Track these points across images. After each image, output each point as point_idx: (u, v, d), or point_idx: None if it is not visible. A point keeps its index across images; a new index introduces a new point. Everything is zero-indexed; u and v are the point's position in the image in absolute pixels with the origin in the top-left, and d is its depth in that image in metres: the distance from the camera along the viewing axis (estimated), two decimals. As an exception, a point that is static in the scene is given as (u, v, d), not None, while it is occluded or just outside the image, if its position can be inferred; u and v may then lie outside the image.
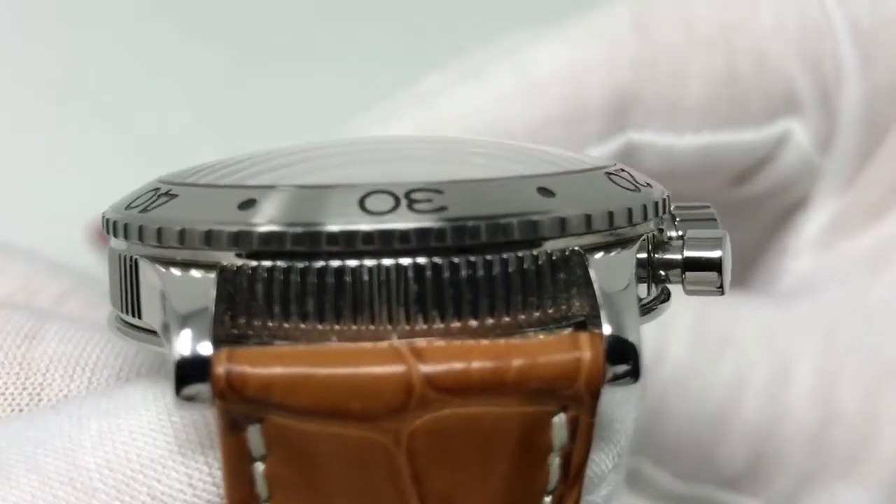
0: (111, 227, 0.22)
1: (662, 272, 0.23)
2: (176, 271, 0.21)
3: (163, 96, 0.56)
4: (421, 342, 0.20)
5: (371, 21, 0.58)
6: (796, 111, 0.34)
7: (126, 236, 0.22)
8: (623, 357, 0.20)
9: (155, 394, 0.22)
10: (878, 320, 0.33)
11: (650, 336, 0.32)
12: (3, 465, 0.21)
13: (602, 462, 0.22)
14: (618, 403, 0.23)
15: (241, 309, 0.20)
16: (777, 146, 0.34)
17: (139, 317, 0.22)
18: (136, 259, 0.22)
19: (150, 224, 0.21)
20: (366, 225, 0.20)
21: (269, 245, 0.20)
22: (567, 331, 0.21)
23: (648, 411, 0.32)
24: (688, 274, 0.23)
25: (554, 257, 0.21)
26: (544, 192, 0.21)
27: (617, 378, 0.20)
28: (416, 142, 0.26)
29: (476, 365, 0.19)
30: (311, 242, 0.20)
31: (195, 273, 0.21)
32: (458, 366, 0.19)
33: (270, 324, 0.20)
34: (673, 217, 0.24)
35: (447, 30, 0.55)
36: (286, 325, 0.20)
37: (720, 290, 0.23)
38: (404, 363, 0.19)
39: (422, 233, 0.20)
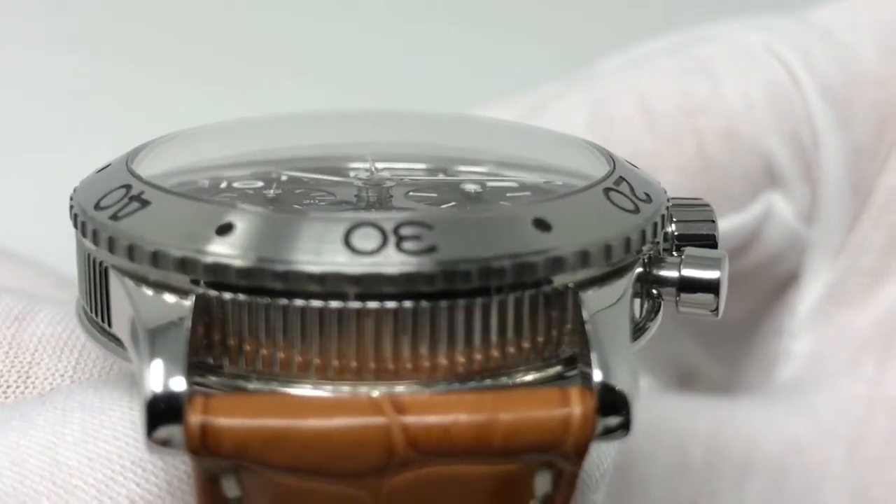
0: (80, 226, 0.21)
1: (656, 290, 0.22)
2: (148, 291, 0.20)
3: (164, 97, 0.54)
4: (402, 392, 0.19)
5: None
6: (777, 185, 0.32)
7: (96, 243, 0.21)
8: (614, 409, 0.19)
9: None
10: None
11: (661, 468, 0.31)
12: None
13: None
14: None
15: (215, 339, 0.19)
16: (761, 223, 0.33)
17: (108, 324, 0.21)
18: (106, 267, 0.21)
19: (121, 237, 0.20)
20: (351, 266, 0.19)
21: (250, 280, 0.19)
22: (555, 369, 0.20)
23: None
24: (683, 295, 0.22)
25: (546, 295, 0.20)
26: (541, 225, 0.20)
27: (608, 431, 0.19)
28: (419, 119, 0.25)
29: (461, 420, 0.19)
30: (294, 281, 0.19)
31: (168, 297, 0.20)
32: (442, 423, 0.19)
33: (245, 357, 0.19)
34: (669, 215, 0.23)
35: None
36: (262, 353, 0.19)
37: (715, 312, 0.22)
38: (385, 417, 0.19)
39: (410, 277, 0.19)
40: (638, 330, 0.22)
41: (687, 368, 0.37)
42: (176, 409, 0.18)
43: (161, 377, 0.19)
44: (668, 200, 0.23)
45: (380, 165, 0.25)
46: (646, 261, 0.22)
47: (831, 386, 0.33)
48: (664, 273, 0.22)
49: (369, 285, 0.19)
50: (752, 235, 0.33)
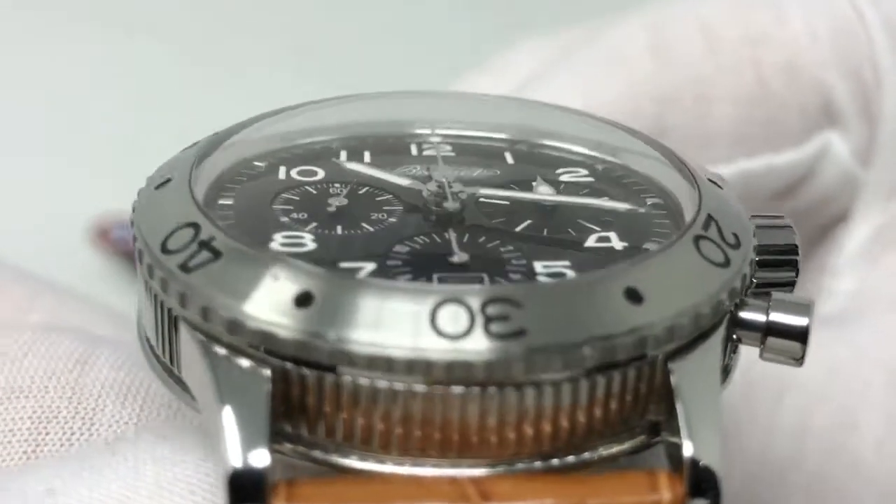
0: (146, 267, 0.20)
1: (737, 335, 0.21)
2: (221, 350, 0.19)
3: (165, 98, 0.52)
4: (486, 477, 0.18)
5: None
6: (835, 123, 0.31)
7: (165, 291, 0.20)
8: (703, 491, 0.19)
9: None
10: None
11: None
12: None
13: None
14: None
15: (294, 407, 0.19)
16: (816, 161, 0.31)
17: (177, 369, 0.20)
18: (175, 316, 0.20)
19: (193, 295, 0.19)
20: (438, 353, 0.18)
21: (334, 361, 0.18)
22: (639, 438, 0.20)
23: None
24: (769, 340, 0.21)
25: (634, 369, 0.19)
26: (633, 296, 0.19)
27: None
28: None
29: None
30: (379, 366, 0.18)
31: (244, 362, 0.19)
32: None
33: (326, 427, 0.19)
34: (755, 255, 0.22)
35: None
36: (344, 421, 0.19)
37: (799, 361, 0.21)
38: (468, 501, 0.18)
39: (498, 365, 0.18)
40: (723, 372, 0.21)
41: None
42: (260, 490, 0.18)
43: (242, 451, 0.18)
44: (753, 234, 0.22)
45: (441, 134, 0.25)
46: (733, 308, 0.21)
47: (874, 320, 0.32)
48: (749, 317, 0.21)
49: (457, 372, 0.18)
50: (807, 173, 0.32)
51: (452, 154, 0.25)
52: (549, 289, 0.19)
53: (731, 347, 0.22)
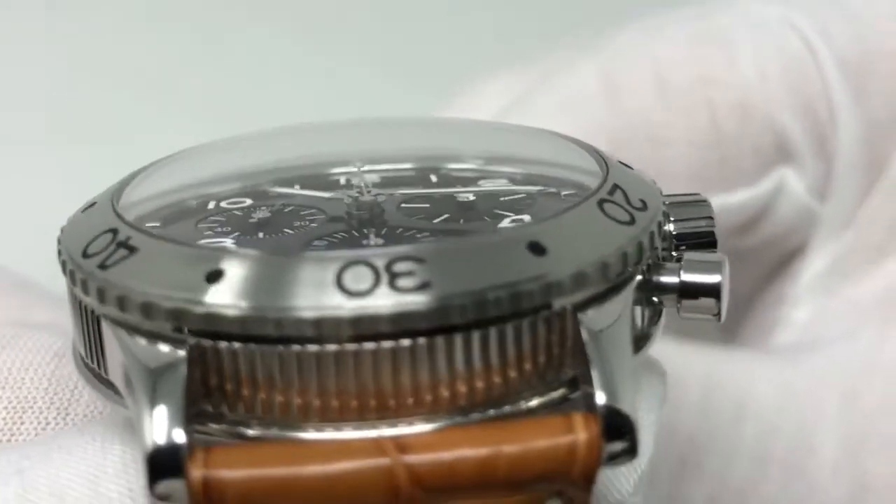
0: (69, 273, 0.21)
1: (657, 297, 0.22)
2: (141, 340, 0.20)
3: (161, 109, 0.54)
4: (406, 431, 0.19)
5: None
6: (790, 159, 0.32)
7: (86, 292, 0.20)
8: (619, 433, 0.19)
9: None
10: None
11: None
12: (26, 487, 0.20)
13: (622, 486, 0.22)
14: (641, 428, 0.22)
15: (213, 386, 0.19)
16: (772, 198, 0.32)
17: (104, 371, 0.21)
18: (98, 316, 0.21)
19: (110, 288, 0.20)
20: (346, 310, 0.18)
21: (244, 328, 0.19)
22: (558, 392, 0.20)
23: (663, 496, 0.30)
24: (684, 301, 0.22)
25: (544, 319, 0.20)
26: (536, 249, 0.20)
27: (614, 457, 0.19)
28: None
29: (465, 455, 0.18)
30: (288, 327, 0.19)
31: (163, 347, 0.19)
32: (446, 460, 0.18)
33: (244, 403, 0.19)
34: (666, 217, 0.23)
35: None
36: (261, 398, 0.19)
37: (717, 317, 0.22)
38: (388, 458, 0.18)
39: (405, 316, 0.19)
40: (641, 339, 0.22)
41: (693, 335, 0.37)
42: (177, 462, 0.18)
43: (160, 428, 0.18)
44: (664, 203, 0.23)
45: (368, 168, 0.25)
46: (645, 269, 0.21)
47: (829, 348, 0.32)
48: (664, 279, 0.22)
49: (364, 327, 0.19)
50: (763, 210, 0.32)
51: (378, 179, 0.26)
52: (452, 245, 0.20)
53: (650, 312, 0.22)
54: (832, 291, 0.33)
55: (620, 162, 0.24)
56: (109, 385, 0.21)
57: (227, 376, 0.19)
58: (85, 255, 0.21)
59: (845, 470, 0.30)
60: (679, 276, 0.22)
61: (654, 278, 0.22)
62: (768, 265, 0.34)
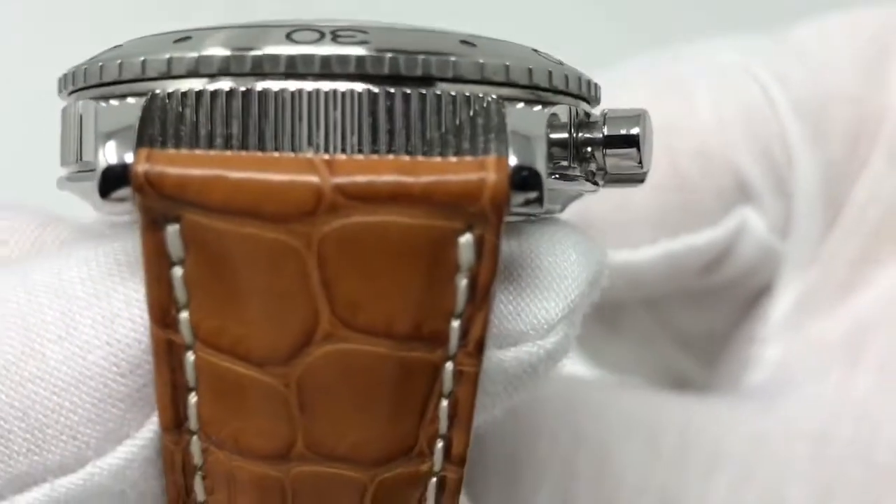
0: (62, 82, 0.24)
1: (588, 150, 0.24)
2: (114, 102, 0.22)
3: None
4: (334, 156, 0.21)
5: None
6: (750, 200, 0.34)
7: (73, 82, 0.23)
8: (527, 183, 0.21)
9: None
10: (867, 420, 0.32)
11: (634, 455, 0.32)
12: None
13: (551, 309, 0.23)
14: (570, 262, 0.23)
15: (169, 133, 0.21)
16: (734, 238, 0.34)
17: (80, 158, 0.23)
18: (79, 104, 0.23)
19: (93, 66, 0.23)
20: (290, 50, 0.21)
21: (199, 69, 0.21)
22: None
23: None
24: (608, 151, 0.24)
25: (472, 100, 0.22)
26: (466, 44, 0.22)
27: (524, 204, 0.21)
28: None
29: (385, 178, 0.20)
30: (237, 65, 0.21)
31: (129, 100, 0.22)
32: (368, 176, 0.20)
33: (196, 141, 0.21)
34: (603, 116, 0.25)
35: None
36: (203, 133, 0.21)
37: (640, 165, 0.24)
38: (316, 173, 0.20)
39: (343, 59, 0.21)
40: (567, 177, 0.24)
41: (679, 377, 0.38)
42: (126, 175, 0.20)
43: (114, 152, 0.20)
44: (598, 88, 0.25)
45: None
46: (572, 124, 0.24)
47: (799, 390, 0.33)
48: (589, 134, 0.24)
49: (306, 66, 0.21)
50: (726, 250, 0.34)
51: None
52: (393, 28, 0.22)
53: (578, 155, 0.24)
54: (800, 329, 0.34)
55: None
56: (86, 171, 0.23)
57: (183, 119, 0.21)
58: (77, 65, 0.24)
59: None
60: (602, 131, 0.24)
61: (581, 134, 0.24)
62: (738, 303, 0.36)
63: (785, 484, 0.31)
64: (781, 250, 0.34)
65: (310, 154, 0.21)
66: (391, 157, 0.21)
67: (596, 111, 0.24)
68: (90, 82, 0.23)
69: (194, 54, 0.21)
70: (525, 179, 0.21)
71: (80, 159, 0.23)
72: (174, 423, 0.22)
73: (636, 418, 0.32)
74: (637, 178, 0.24)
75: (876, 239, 0.34)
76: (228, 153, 0.21)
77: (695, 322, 0.37)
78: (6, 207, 0.27)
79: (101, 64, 0.22)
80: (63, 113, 0.24)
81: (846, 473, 0.32)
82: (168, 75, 0.22)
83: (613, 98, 0.34)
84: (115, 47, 0.23)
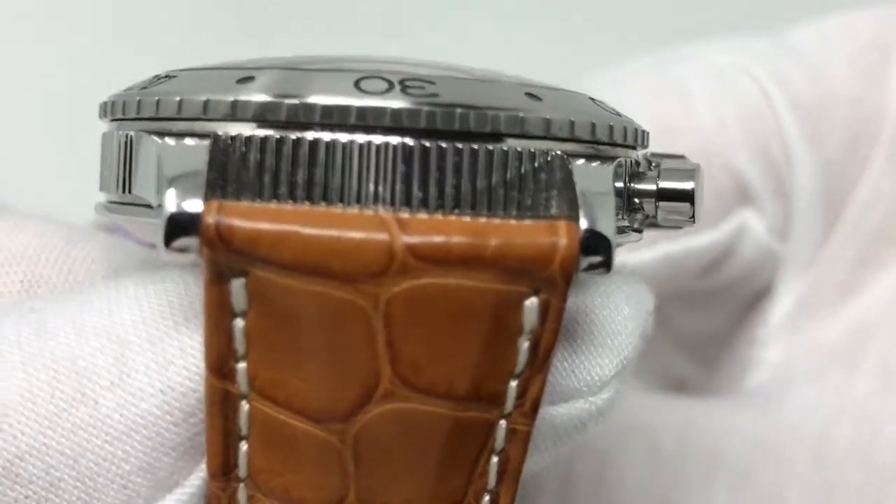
0: (109, 108, 0.23)
1: (637, 201, 0.24)
2: (171, 141, 0.22)
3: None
4: (405, 214, 0.20)
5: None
6: (750, 202, 0.34)
7: (124, 112, 0.22)
8: (597, 249, 0.21)
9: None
10: (868, 421, 0.33)
11: (634, 457, 0.32)
12: (44, 320, 0.22)
13: (605, 366, 0.23)
14: (624, 317, 0.23)
15: (231, 178, 0.21)
16: (734, 240, 0.34)
17: (130, 191, 0.23)
18: (130, 135, 0.23)
19: (148, 98, 0.22)
20: (359, 102, 0.21)
21: (265, 115, 0.21)
22: (546, 217, 0.22)
23: None
24: (661, 204, 0.24)
25: (537, 156, 0.22)
26: (532, 97, 0.22)
27: (591, 268, 0.21)
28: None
29: (456, 239, 0.20)
30: (305, 114, 0.21)
31: (190, 141, 0.21)
32: (439, 238, 0.20)
33: (263, 189, 0.21)
34: (649, 162, 0.25)
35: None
36: (267, 181, 0.21)
37: (692, 220, 0.24)
38: (388, 231, 0.20)
39: (413, 114, 0.21)
40: (621, 230, 0.23)
41: (677, 379, 0.38)
42: (193, 223, 0.20)
43: (180, 199, 0.20)
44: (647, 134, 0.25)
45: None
46: (626, 175, 0.24)
47: (798, 392, 0.33)
48: (643, 186, 0.24)
49: (376, 119, 0.21)
50: (726, 251, 0.34)
51: None
52: (460, 78, 0.22)
53: (629, 206, 0.24)
54: (800, 331, 0.34)
55: None
56: (136, 205, 0.23)
57: (247, 164, 0.21)
58: (127, 90, 0.23)
59: None
60: (657, 183, 0.24)
61: (635, 185, 0.24)
62: (738, 305, 0.36)
63: (785, 486, 0.32)
64: (781, 252, 0.34)
65: (379, 209, 0.20)
66: (455, 215, 0.21)
67: (640, 156, 0.24)
68: (144, 115, 0.22)
69: (261, 99, 0.21)
70: (595, 245, 0.21)
71: (128, 191, 0.23)
72: (223, 470, 0.21)
73: (636, 421, 0.33)
74: (680, 226, 0.24)
75: (876, 240, 0.34)
76: (298, 208, 0.20)
77: (694, 324, 0.37)
78: (31, 218, 0.27)
79: (157, 99, 0.22)
80: (105, 138, 0.24)
81: (846, 475, 0.32)
82: (232, 118, 0.21)
83: (613, 99, 0.34)
84: (168, 78, 0.23)
